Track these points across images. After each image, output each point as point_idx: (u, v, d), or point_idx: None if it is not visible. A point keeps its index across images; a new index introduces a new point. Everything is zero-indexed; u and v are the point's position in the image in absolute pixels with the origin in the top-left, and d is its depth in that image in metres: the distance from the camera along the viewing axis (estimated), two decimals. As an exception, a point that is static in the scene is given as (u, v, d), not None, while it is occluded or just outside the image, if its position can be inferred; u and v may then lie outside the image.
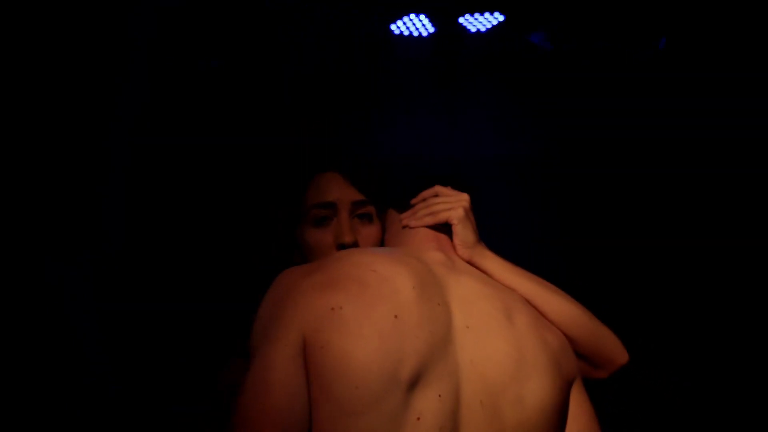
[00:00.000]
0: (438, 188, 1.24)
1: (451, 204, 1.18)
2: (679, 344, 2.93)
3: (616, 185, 2.91)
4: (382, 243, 1.29)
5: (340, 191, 1.29)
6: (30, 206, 2.73)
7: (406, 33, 2.96)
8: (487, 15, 2.84)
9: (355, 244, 1.23)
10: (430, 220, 1.18)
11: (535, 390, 0.99)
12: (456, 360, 0.95)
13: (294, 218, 1.29)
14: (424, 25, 2.93)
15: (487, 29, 2.92)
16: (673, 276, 2.93)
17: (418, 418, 0.89)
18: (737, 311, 2.84)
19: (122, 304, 2.64)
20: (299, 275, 0.98)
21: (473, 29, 2.93)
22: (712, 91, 2.64)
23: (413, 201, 1.24)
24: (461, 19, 2.87)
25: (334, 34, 2.83)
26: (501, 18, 2.83)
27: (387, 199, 1.25)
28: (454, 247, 1.17)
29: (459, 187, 1.25)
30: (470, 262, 1.15)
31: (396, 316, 0.91)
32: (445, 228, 1.21)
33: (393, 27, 2.93)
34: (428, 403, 0.90)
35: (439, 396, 0.91)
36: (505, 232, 3.00)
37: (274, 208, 1.32)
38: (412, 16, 2.88)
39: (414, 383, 0.89)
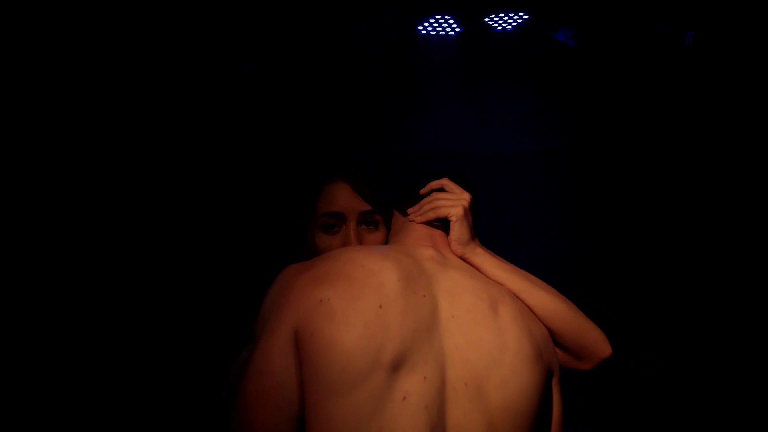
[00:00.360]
0: (445, 181, 1.29)
1: (453, 202, 1.24)
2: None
3: (641, 182, 2.91)
4: (386, 242, 1.36)
5: (348, 202, 1.36)
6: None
7: (433, 33, 3.02)
8: (511, 14, 2.87)
9: None
10: (432, 215, 1.24)
11: (517, 375, 1.07)
12: (441, 346, 1.04)
13: (305, 222, 1.37)
14: (450, 25, 2.98)
15: (513, 28, 2.95)
16: (703, 274, 2.93)
17: (404, 398, 0.98)
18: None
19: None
20: (296, 272, 1.07)
21: (499, 28, 2.97)
22: (740, 87, 2.62)
23: (422, 191, 1.30)
24: (487, 19, 2.91)
25: (362, 35, 2.91)
26: (525, 16, 2.87)
27: (392, 205, 1.32)
28: (448, 244, 1.23)
29: (464, 186, 1.31)
30: (463, 258, 1.21)
31: (380, 306, 1.00)
32: (442, 227, 1.27)
33: (420, 28, 2.99)
34: (414, 384, 0.99)
35: (425, 378, 1.00)
36: (528, 226, 3.05)
37: (287, 211, 1.40)
38: (438, 16, 2.93)
39: (397, 366, 0.98)
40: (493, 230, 3.09)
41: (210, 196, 2.84)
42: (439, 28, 3.02)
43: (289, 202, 1.40)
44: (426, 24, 2.99)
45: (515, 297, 1.18)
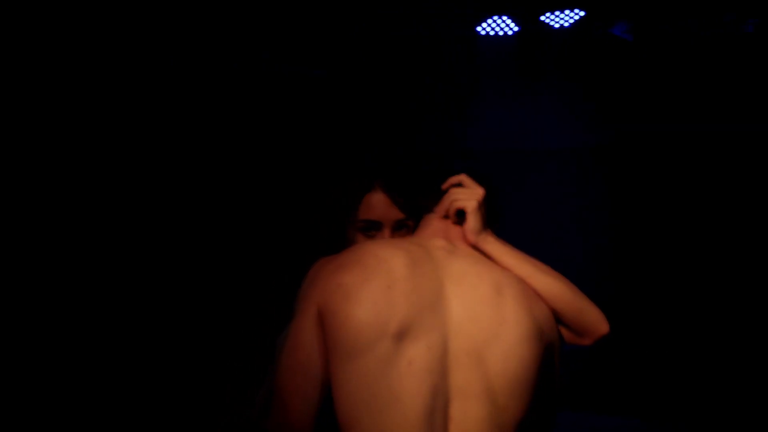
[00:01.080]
0: (463, 177, 1.43)
1: (468, 195, 1.38)
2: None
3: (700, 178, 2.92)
4: None
5: (385, 211, 1.53)
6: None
7: (492, 33, 3.12)
8: (567, 12, 2.93)
9: None
10: (450, 209, 1.40)
11: (515, 348, 1.21)
12: (444, 321, 1.20)
13: (347, 224, 1.57)
14: (507, 24, 3.08)
15: (570, 25, 3.01)
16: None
17: (409, 363, 1.15)
18: None
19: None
20: (323, 263, 1.28)
21: (556, 26, 3.04)
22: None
23: (443, 187, 1.45)
24: (543, 17, 2.98)
25: (423, 38, 3.05)
26: (582, 13, 2.92)
27: (423, 210, 1.48)
28: (461, 236, 1.38)
29: (480, 182, 1.45)
30: (476, 247, 1.35)
31: (388, 287, 1.18)
32: (457, 221, 1.41)
33: (479, 29, 3.10)
34: (418, 351, 1.16)
35: (428, 347, 1.17)
36: (580, 220, 3.11)
37: (333, 215, 1.59)
38: (496, 17, 3.04)
39: (402, 336, 1.16)
40: (546, 222, 3.19)
41: (255, 199, 3.13)
42: (497, 28, 3.12)
43: (335, 208, 1.58)
44: (485, 24, 3.11)
45: (521, 281, 1.31)
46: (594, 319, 1.34)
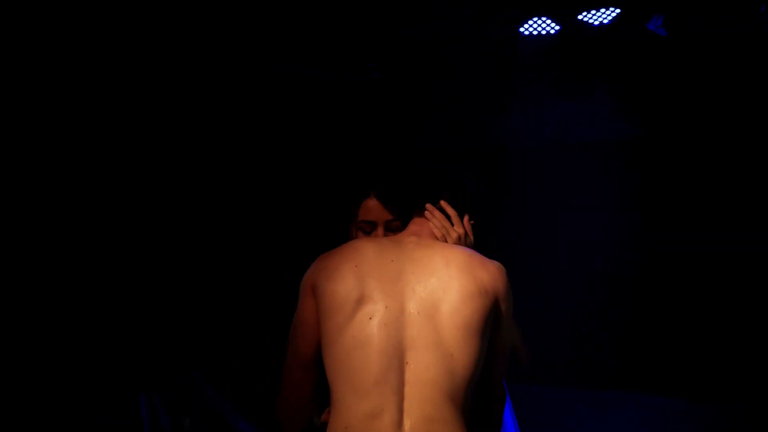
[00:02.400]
0: (446, 208, 1.77)
1: (450, 230, 1.76)
2: None
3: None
4: None
5: (378, 214, 1.96)
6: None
7: (535, 33, 3.30)
8: (603, 10, 3.07)
9: None
10: (437, 233, 1.77)
11: (459, 306, 1.53)
12: (403, 290, 1.55)
13: (348, 223, 2.00)
14: (549, 24, 3.25)
15: (609, 22, 3.15)
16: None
17: (370, 318, 1.51)
18: None
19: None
20: (321, 256, 1.66)
21: (596, 23, 3.18)
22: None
23: (427, 215, 1.82)
24: (581, 16, 3.14)
25: (468, 40, 3.28)
26: (617, 11, 3.06)
27: (409, 214, 1.81)
28: (430, 233, 1.74)
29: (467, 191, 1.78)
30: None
31: (356, 266, 1.56)
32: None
33: (521, 29, 3.29)
34: (377, 310, 1.52)
35: (386, 307, 1.52)
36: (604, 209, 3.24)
37: (335, 216, 2.04)
38: (537, 18, 3.22)
39: (365, 300, 1.53)
40: (586, 210, 3.36)
41: (255, 199, 3.46)
42: (540, 28, 3.30)
43: (337, 210, 2.02)
44: (527, 25, 3.29)
45: (471, 254, 1.64)
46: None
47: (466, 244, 1.75)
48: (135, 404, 2.59)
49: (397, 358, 1.48)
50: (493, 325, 1.58)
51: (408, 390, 1.47)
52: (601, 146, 3.39)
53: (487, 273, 1.59)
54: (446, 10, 3.18)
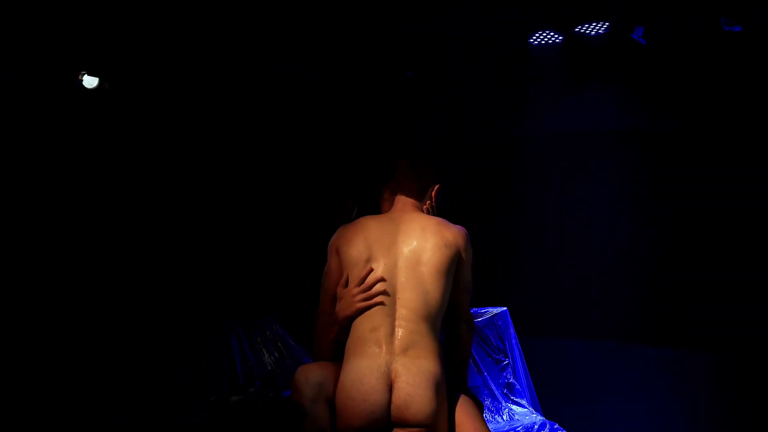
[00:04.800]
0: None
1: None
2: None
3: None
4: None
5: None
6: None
7: (543, 43, 3.95)
8: (593, 23, 3.68)
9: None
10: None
11: (432, 257, 2.27)
12: (396, 252, 2.29)
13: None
14: (553, 35, 3.88)
15: (604, 31, 3.74)
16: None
17: (375, 270, 2.27)
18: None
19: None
20: (341, 228, 2.41)
21: (593, 33, 3.78)
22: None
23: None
24: (577, 29, 3.75)
25: (483, 50, 3.97)
26: (606, 24, 3.66)
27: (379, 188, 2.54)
28: (414, 207, 2.46)
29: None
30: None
31: (365, 238, 2.31)
32: (415, 197, 2.46)
33: (531, 40, 3.94)
34: (379, 265, 2.27)
35: (385, 264, 2.27)
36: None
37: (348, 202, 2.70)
38: (542, 30, 3.86)
39: (370, 260, 2.28)
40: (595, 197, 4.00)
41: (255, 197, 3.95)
42: (546, 39, 3.93)
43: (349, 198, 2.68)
44: (535, 36, 3.94)
45: (439, 223, 2.35)
46: None
47: (434, 214, 2.50)
48: (136, 402, 3.17)
49: (392, 294, 2.25)
50: (456, 268, 2.33)
51: (398, 314, 2.23)
52: (601, 135, 4.02)
53: (451, 233, 2.34)
54: (467, 27, 3.87)
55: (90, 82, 3.80)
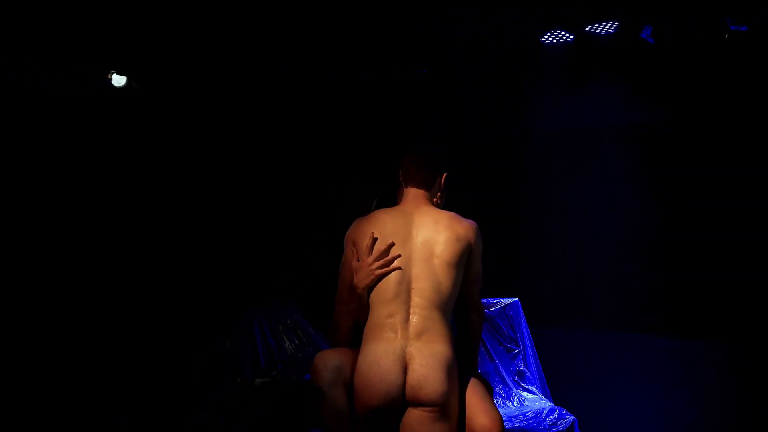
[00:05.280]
0: None
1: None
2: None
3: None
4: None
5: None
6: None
7: (555, 42, 4.06)
8: (604, 23, 3.80)
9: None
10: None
11: (444, 249, 2.39)
12: (411, 244, 2.42)
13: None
14: (564, 35, 4.00)
15: (614, 31, 3.86)
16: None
17: (393, 260, 2.40)
18: None
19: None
20: (356, 220, 2.56)
21: (603, 32, 3.90)
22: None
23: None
24: (588, 28, 3.87)
25: (499, 49, 4.10)
26: (617, 23, 3.77)
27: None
28: (425, 201, 2.57)
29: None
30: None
31: (380, 232, 2.43)
32: (425, 189, 2.58)
33: (543, 39, 4.06)
34: (395, 257, 2.40)
35: (401, 255, 2.40)
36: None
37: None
38: (553, 30, 3.98)
39: (387, 252, 2.41)
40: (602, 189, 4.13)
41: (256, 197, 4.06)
42: (558, 38, 4.05)
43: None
44: (547, 35, 4.05)
45: (451, 217, 2.49)
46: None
47: (444, 202, 2.63)
48: (136, 402, 3.25)
49: (407, 284, 2.39)
50: (467, 260, 2.47)
51: (412, 302, 2.37)
52: (610, 130, 4.15)
53: (462, 227, 2.47)
54: (468, 27, 4.00)
55: (118, 80, 4.01)
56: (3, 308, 3.49)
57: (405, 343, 2.34)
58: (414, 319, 2.37)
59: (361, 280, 2.41)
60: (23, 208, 3.59)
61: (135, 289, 3.86)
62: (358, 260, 2.45)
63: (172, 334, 3.54)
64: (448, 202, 2.64)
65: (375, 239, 2.42)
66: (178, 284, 3.90)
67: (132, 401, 3.30)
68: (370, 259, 2.40)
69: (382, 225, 2.47)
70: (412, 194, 2.60)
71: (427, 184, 2.59)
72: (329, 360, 2.42)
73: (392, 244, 2.40)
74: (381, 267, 2.39)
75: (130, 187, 3.98)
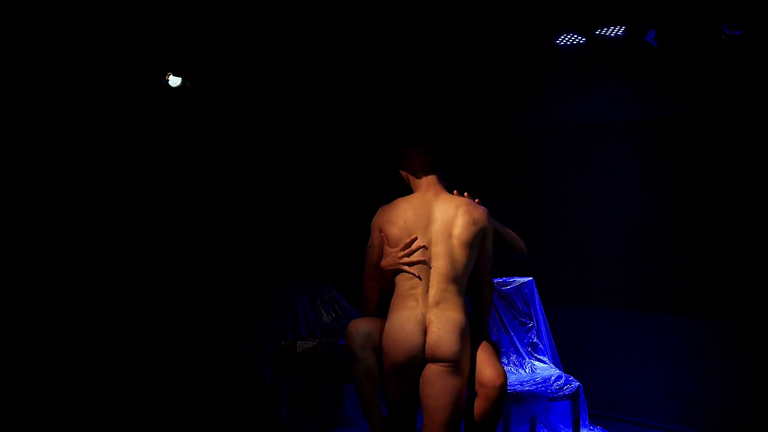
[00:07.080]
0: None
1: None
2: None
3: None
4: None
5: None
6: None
7: (568, 44, 4.41)
8: (611, 26, 4.14)
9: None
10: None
11: (463, 231, 2.77)
12: (431, 229, 2.81)
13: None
14: (577, 37, 4.35)
15: (622, 34, 4.19)
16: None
17: (416, 237, 2.80)
18: None
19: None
20: (382, 208, 2.95)
21: (613, 35, 4.23)
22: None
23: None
24: (597, 32, 4.21)
25: (515, 51, 4.48)
26: (624, 27, 4.11)
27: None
28: (441, 188, 2.93)
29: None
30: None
31: (405, 220, 2.82)
32: (436, 175, 2.95)
33: (557, 41, 4.41)
34: (419, 238, 2.80)
35: (424, 237, 2.79)
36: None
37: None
38: (566, 33, 4.33)
39: (412, 242, 2.79)
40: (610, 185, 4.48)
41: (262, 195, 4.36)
42: (571, 40, 4.40)
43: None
44: (562, 37, 4.40)
45: (469, 203, 2.85)
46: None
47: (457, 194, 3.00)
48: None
49: (428, 261, 2.80)
50: (481, 242, 2.87)
51: (432, 278, 2.79)
52: (621, 126, 4.50)
53: (478, 213, 2.87)
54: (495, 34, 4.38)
55: (174, 81, 4.45)
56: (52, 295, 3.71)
57: (425, 311, 2.77)
58: (433, 290, 2.80)
59: (388, 264, 2.82)
60: (82, 203, 3.84)
61: (200, 269, 4.29)
62: (387, 245, 2.84)
63: (227, 307, 4.03)
64: (466, 188, 3.05)
65: (415, 238, 2.77)
66: (234, 264, 4.36)
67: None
68: (397, 249, 2.81)
69: (406, 213, 2.85)
70: (426, 181, 2.94)
71: (436, 168, 2.96)
72: (360, 327, 2.87)
73: (415, 238, 2.78)
74: (405, 256, 2.79)
75: (188, 175, 4.31)
